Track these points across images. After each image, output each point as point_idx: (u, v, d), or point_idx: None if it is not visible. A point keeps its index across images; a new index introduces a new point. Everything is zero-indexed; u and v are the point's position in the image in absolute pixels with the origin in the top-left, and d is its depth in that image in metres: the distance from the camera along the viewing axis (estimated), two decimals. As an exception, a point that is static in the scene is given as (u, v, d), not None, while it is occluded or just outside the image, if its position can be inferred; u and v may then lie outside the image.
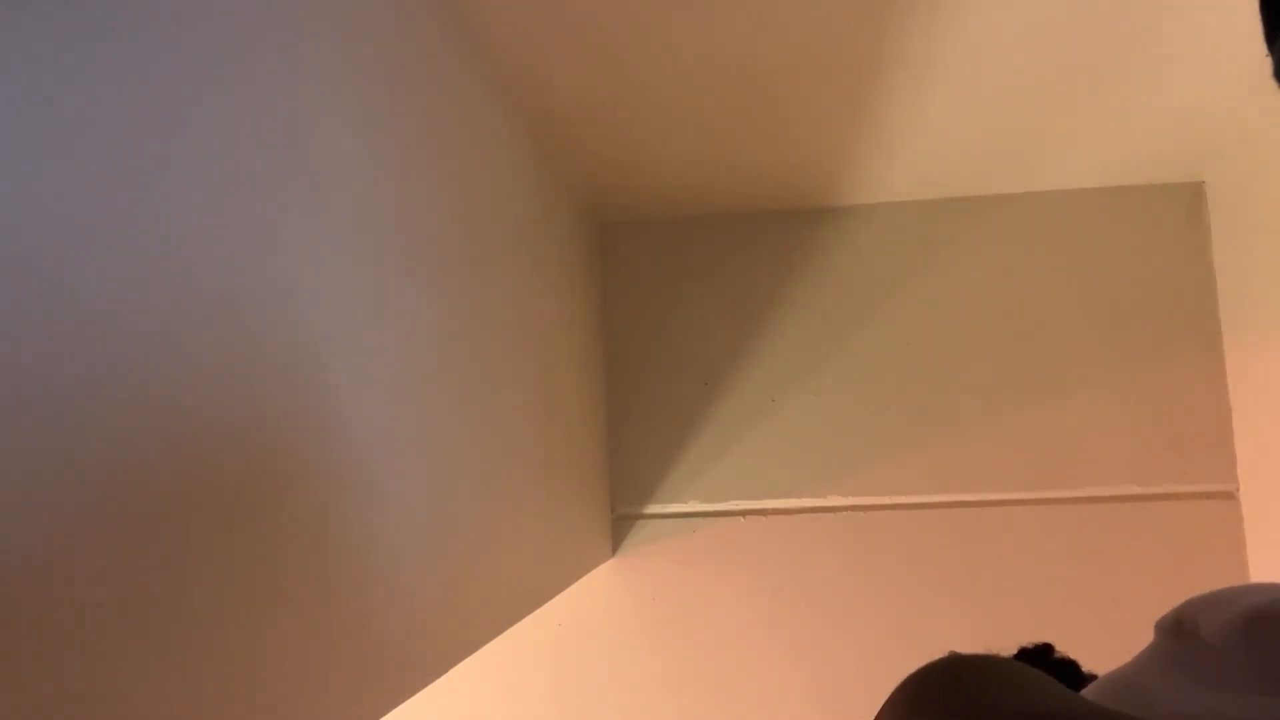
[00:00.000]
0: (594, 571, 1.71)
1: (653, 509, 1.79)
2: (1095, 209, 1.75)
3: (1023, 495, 1.70)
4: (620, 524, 1.80)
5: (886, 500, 1.73)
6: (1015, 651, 0.75)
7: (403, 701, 0.82)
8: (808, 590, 1.73)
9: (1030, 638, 1.75)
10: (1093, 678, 0.64)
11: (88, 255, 0.49)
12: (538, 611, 1.29)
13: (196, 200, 0.59)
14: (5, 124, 0.44)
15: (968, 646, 1.97)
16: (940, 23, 1.17)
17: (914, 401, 1.74)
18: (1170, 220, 1.73)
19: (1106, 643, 1.89)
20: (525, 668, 1.77)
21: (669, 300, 1.84)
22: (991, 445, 1.72)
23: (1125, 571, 1.66)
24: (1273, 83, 0.54)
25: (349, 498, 0.77)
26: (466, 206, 1.10)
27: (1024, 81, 1.33)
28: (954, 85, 1.34)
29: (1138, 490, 1.68)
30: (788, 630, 1.72)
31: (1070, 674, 0.72)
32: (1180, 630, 0.52)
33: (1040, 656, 0.74)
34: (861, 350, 1.77)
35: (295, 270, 0.70)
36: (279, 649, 0.66)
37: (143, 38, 0.54)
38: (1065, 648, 1.79)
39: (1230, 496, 1.66)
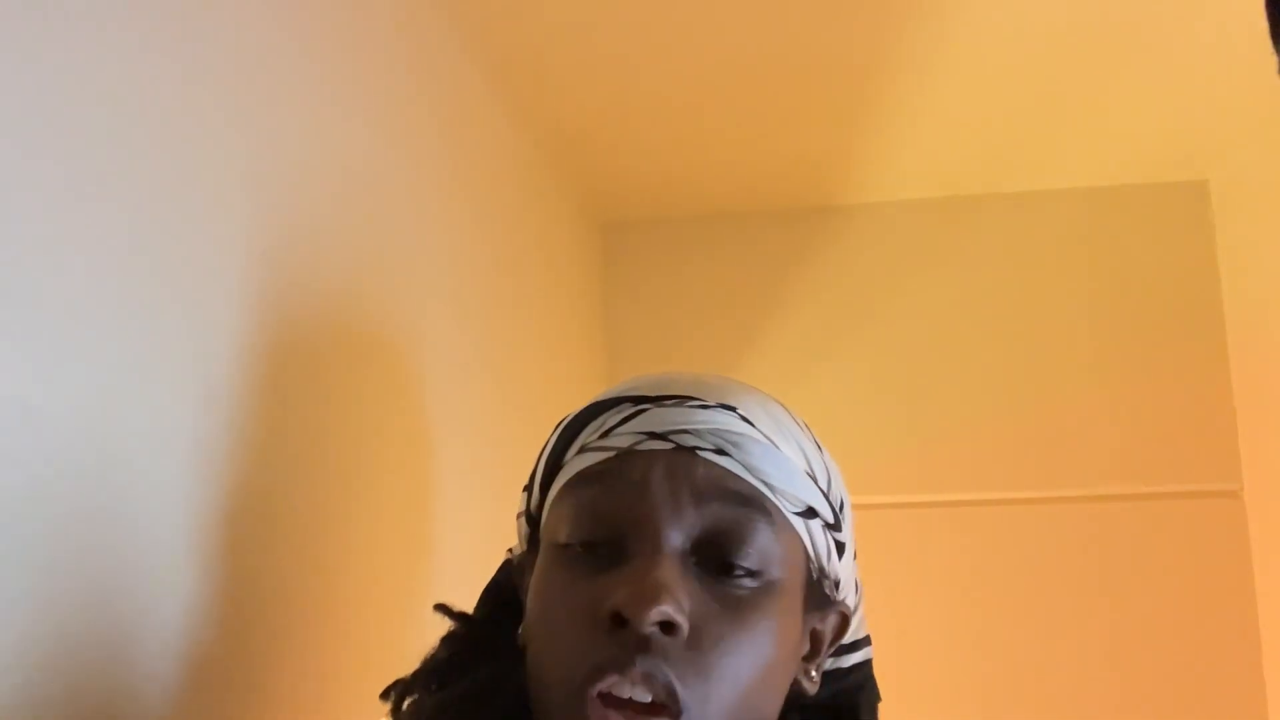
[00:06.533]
0: (596, 571, 1.71)
1: (655, 508, 1.78)
2: (1099, 207, 1.74)
3: (1025, 494, 1.70)
4: (622, 523, 1.79)
5: (888, 499, 1.72)
6: None
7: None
8: (810, 590, 1.72)
9: (1032, 637, 1.75)
10: None
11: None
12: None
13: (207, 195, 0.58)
14: None
15: (969, 645, 1.97)
16: (942, 21, 1.16)
17: (916, 400, 1.74)
18: (1174, 218, 1.73)
19: (1108, 643, 1.88)
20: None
21: (670, 298, 1.83)
22: (994, 444, 1.71)
23: (1128, 571, 1.65)
24: (1278, 81, 0.54)
25: (345, 495, 0.77)
26: (470, 207, 1.10)
27: (1026, 80, 1.33)
28: (956, 84, 1.33)
29: (1141, 489, 1.67)
30: (790, 630, 1.71)
31: None
32: None
33: None
34: (863, 349, 1.76)
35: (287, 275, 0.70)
36: (285, 647, 0.66)
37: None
38: (1066, 647, 1.78)
39: (1234, 496, 1.65)
